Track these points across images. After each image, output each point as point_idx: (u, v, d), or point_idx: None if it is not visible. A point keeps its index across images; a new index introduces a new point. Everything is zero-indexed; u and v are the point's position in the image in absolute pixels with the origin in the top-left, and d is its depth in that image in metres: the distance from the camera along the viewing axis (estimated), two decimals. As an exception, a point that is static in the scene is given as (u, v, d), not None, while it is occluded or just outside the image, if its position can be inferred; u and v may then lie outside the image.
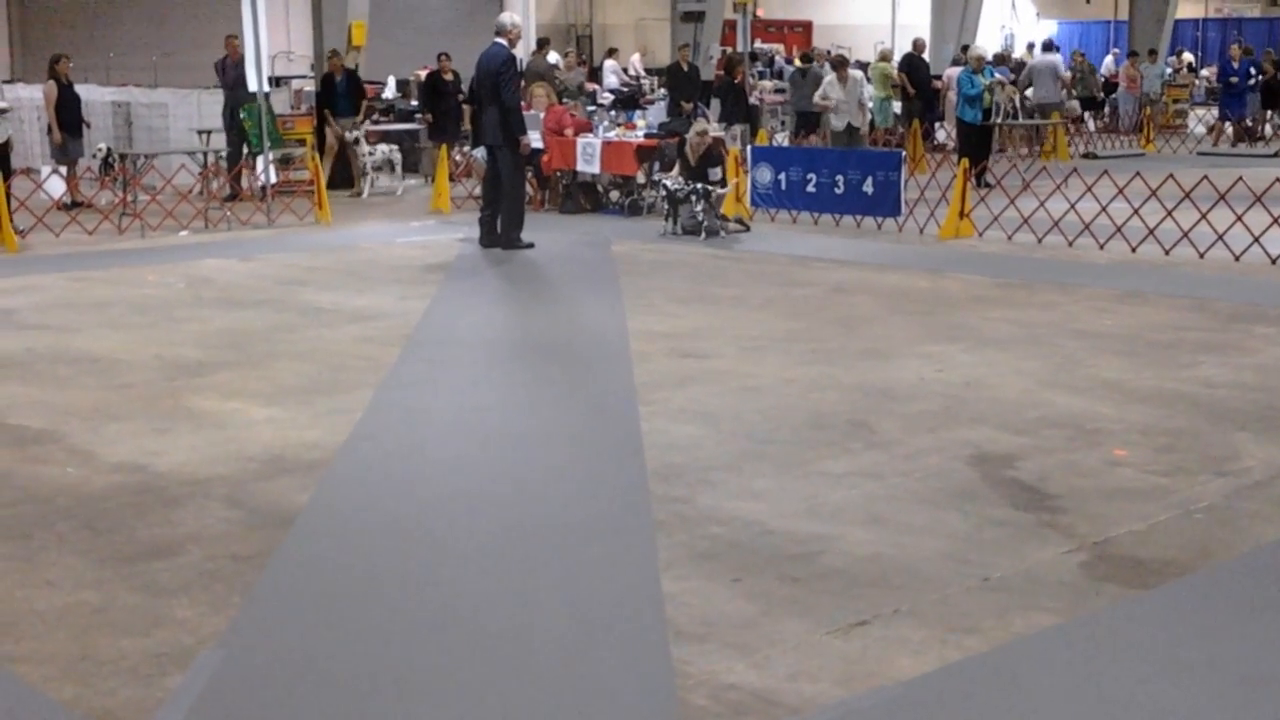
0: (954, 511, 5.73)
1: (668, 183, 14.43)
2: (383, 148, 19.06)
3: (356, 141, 18.67)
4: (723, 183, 14.60)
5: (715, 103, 21.56)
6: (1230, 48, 28.16)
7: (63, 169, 17.08)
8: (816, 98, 19.53)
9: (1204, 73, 35.39)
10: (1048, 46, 26.38)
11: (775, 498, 5.92)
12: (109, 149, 17.75)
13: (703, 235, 14.10)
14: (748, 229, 14.74)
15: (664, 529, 5.52)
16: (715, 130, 17.59)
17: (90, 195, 16.72)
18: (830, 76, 19.37)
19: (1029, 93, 24.27)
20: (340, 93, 19.12)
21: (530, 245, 13.64)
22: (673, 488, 6.05)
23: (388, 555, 5.29)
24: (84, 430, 7.08)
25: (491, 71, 13.55)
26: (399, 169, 19.08)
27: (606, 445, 6.82)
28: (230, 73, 17.94)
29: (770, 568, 5.11)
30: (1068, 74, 25.53)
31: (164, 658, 4.37)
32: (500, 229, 13.76)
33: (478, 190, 17.63)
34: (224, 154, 17.83)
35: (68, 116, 17.06)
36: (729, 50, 25.28)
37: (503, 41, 13.68)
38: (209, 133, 18.37)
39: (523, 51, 31.78)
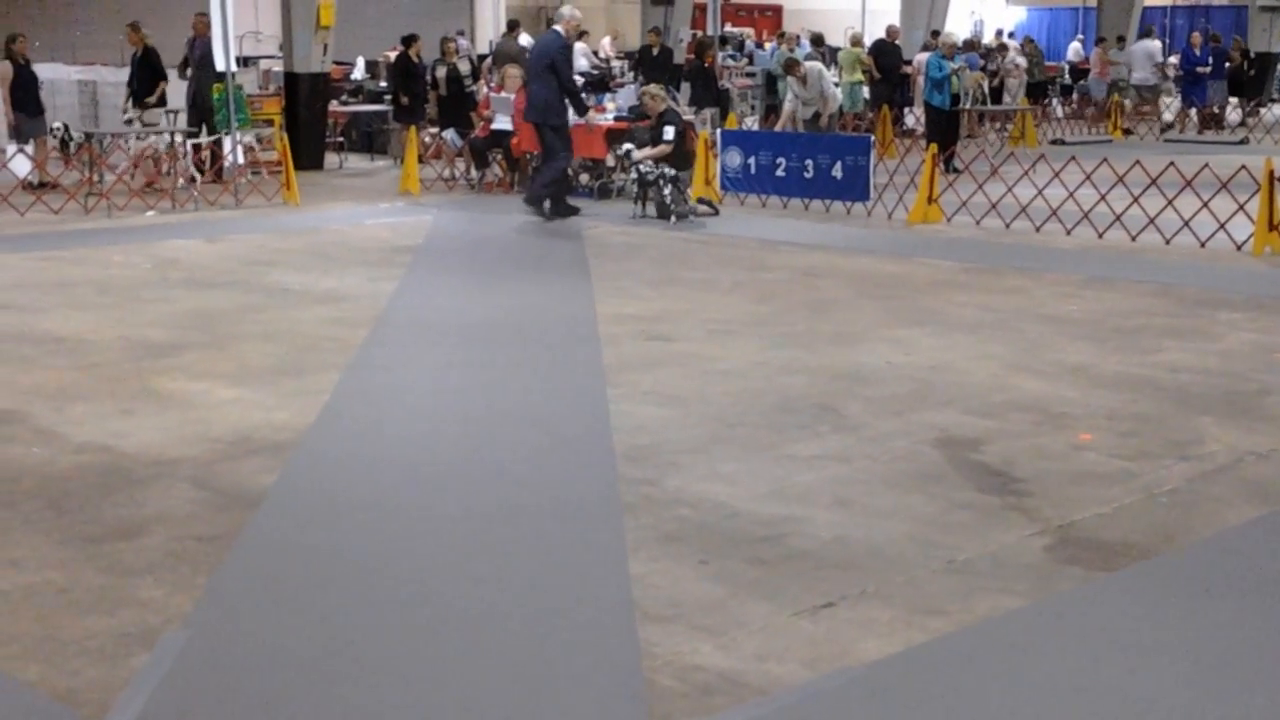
0: (920, 494, 5.76)
1: (641, 166, 14.41)
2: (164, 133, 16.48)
3: (129, 123, 16.62)
4: (662, 138, 14.66)
5: (685, 86, 21.55)
6: (1191, 35, 28.36)
7: (28, 148, 16.91)
8: (785, 107, 19.70)
9: (1171, 60, 35.59)
10: (1147, 33, 27.26)
11: (743, 480, 5.93)
12: (65, 126, 17.54)
13: (672, 219, 14.09)
14: (716, 212, 14.75)
15: (632, 511, 5.53)
16: (685, 114, 17.58)
17: (56, 175, 16.57)
18: (789, 80, 19.44)
19: (1133, 76, 26.05)
20: (134, 71, 16.86)
21: (576, 210, 14.59)
22: (641, 470, 6.05)
23: (354, 537, 5.28)
24: (49, 411, 7.03)
25: (547, 54, 14.55)
26: (187, 162, 16.44)
27: (574, 427, 6.81)
28: (197, 51, 17.69)
29: (737, 550, 5.12)
30: (1161, 59, 26.79)
31: (129, 638, 4.35)
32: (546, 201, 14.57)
33: (447, 172, 17.64)
34: (194, 134, 17.66)
35: (23, 96, 16.81)
36: (699, 34, 25.28)
37: (560, 29, 14.81)
38: (176, 112, 18.20)
39: (493, 34, 31.69)
